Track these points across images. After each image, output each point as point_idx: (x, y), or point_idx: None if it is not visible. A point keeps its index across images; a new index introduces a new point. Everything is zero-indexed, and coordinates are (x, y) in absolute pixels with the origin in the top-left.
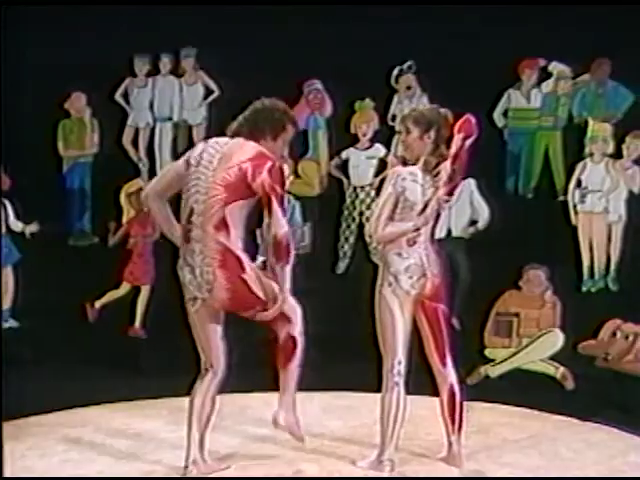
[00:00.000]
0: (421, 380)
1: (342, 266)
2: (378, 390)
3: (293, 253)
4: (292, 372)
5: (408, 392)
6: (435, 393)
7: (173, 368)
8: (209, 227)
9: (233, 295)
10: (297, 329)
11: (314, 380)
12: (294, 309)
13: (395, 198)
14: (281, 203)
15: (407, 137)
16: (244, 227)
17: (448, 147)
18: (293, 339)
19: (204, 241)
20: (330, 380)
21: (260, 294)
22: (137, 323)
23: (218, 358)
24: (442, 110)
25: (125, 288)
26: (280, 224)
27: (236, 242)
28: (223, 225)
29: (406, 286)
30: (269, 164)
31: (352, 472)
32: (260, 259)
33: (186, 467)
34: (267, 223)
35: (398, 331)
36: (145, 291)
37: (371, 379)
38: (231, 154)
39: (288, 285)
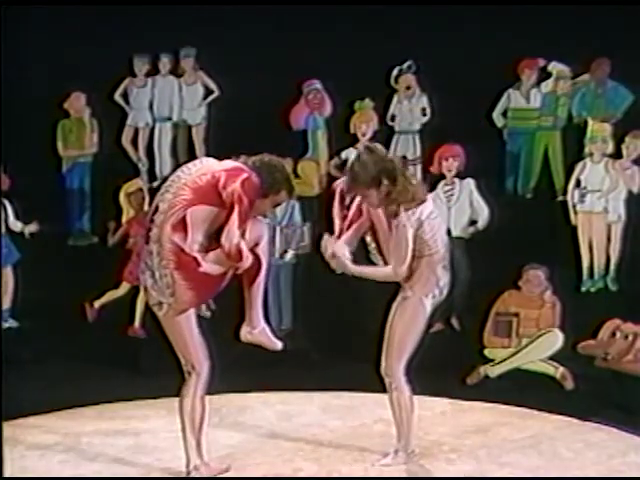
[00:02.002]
0: (419, 380)
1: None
2: (378, 390)
3: (247, 256)
4: (257, 289)
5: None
6: (435, 393)
7: (172, 368)
8: (167, 226)
9: (199, 291)
10: (260, 248)
11: (313, 380)
12: (258, 231)
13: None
14: (243, 217)
15: (373, 199)
16: (204, 233)
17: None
18: (257, 257)
19: (160, 241)
20: (330, 380)
21: (222, 271)
22: (136, 323)
23: (199, 358)
24: (359, 153)
25: (124, 288)
26: (230, 235)
27: (191, 245)
28: (181, 226)
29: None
30: (244, 175)
31: (352, 472)
32: None
33: (188, 473)
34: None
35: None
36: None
37: (371, 379)
38: (210, 165)
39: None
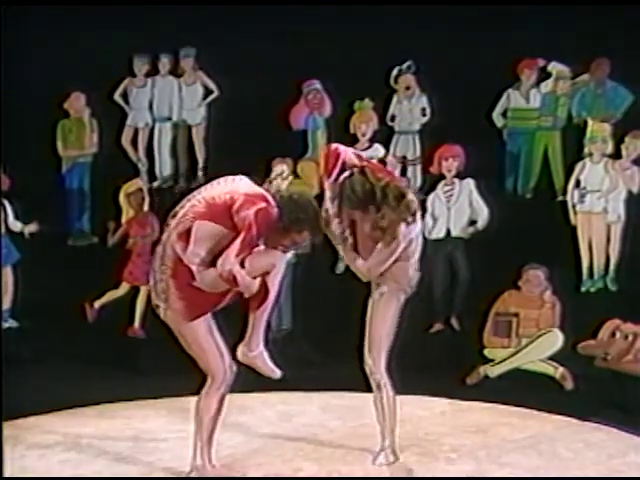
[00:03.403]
0: (419, 380)
1: (342, 266)
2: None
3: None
4: (261, 315)
5: (407, 392)
6: (434, 393)
7: (172, 368)
8: (174, 232)
9: (189, 303)
10: (270, 277)
11: (313, 380)
12: (271, 259)
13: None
14: (245, 244)
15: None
16: (207, 249)
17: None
18: (265, 286)
19: (165, 245)
20: (329, 380)
21: (217, 290)
22: (136, 323)
23: (211, 366)
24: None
25: (124, 288)
26: (226, 261)
27: (190, 256)
28: (185, 236)
29: None
30: (261, 205)
31: (352, 472)
32: None
33: (189, 473)
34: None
35: None
36: (144, 291)
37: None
38: (238, 186)
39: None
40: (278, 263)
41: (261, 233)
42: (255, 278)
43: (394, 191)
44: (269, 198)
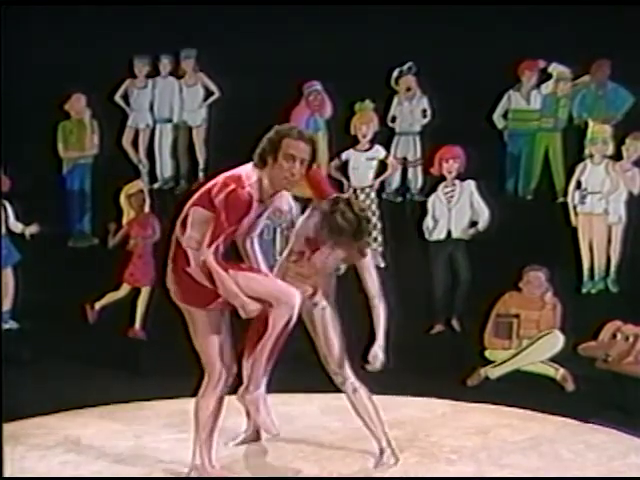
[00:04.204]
0: (419, 382)
1: (342, 267)
2: (379, 392)
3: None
4: (260, 352)
5: (407, 394)
6: (435, 394)
7: (173, 370)
8: (178, 220)
9: (180, 287)
10: (274, 311)
11: (313, 381)
12: (284, 292)
13: None
14: (217, 232)
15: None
16: (202, 234)
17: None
18: (265, 320)
19: (172, 234)
20: (330, 381)
21: (208, 285)
22: (137, 325)
23: (211, 362)
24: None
25: (125, 289)
26: (201, 252)
27: (187, 240)
28: (183, 222)
29: None
30: (231, 188)
31: (352, 474)
32: None
33: (189, 472)
34: None
35: None
36: (145, 292)
37: (372, 380)
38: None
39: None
40: (292, 300)
41: (233, 216)
42: (253, 300)
43: (367, 225)
44: (243, 178)
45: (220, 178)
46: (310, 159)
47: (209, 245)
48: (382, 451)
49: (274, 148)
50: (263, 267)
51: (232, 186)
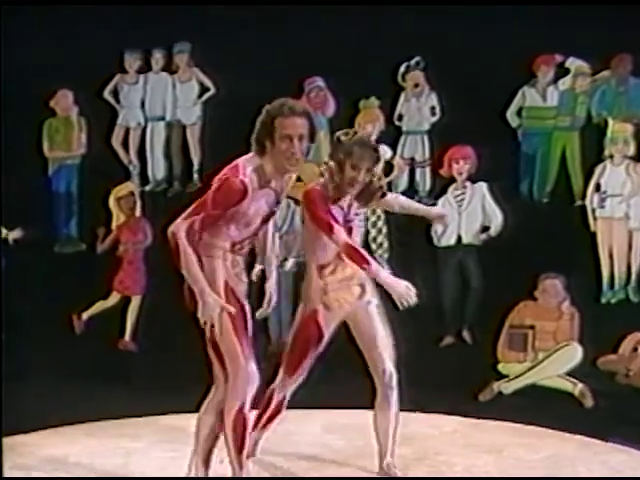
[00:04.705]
0: (428, 396)
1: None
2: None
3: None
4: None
5: (415, 409)
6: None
7: (166, 384)
8: None
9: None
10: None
11: (315, 396)
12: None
13: None
14: (197, 209)
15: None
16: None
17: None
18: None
19: None
20: (333, 396)
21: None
22: (127, 336)
23: (213, 371)
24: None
25: (115, 298)
26: (173, 223)
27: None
28: None
29: None
30: (223, 176)
31: None
32: (258, 267)
33: None
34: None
35: None
36: (136, 301)
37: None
38: None
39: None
40: (245, 384)
41: (219, 200)
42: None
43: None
44: (239, 168)
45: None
46: (310, 131)
47: (185, 219)
48: (390, 467)
49: (269, 131)
50: (273, 265)
51: (227, 174)
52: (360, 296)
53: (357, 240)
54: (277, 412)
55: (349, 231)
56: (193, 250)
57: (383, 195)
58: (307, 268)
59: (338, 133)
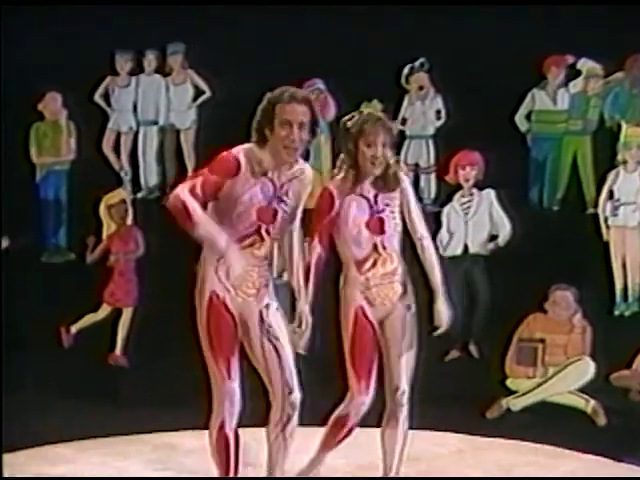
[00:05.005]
0: (433, 413)
1: None
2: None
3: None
4: None
5: (420, 427)
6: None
7: (157, 400)
8: None
9: None
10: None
11: (314, 413)
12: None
13: None
14: (197, 175)
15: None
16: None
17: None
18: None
19: None
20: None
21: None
22: (118, 350)
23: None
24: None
25: (105, 311)
26: (175, 189)
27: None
28: None
29: None
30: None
31: None
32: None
33: None
34: None
35: None
36: (127, 314)
37: (378, 410)
38: None
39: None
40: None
41: (216, 168)
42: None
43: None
44: (234, 149)
45: None
46: (311, 120)
47: (184, 183)
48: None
49: (269, 118)
50: (299, 274)
51: (224, 152)
52: (402, 297)
53: (392, 233)
54: (349, 433)
55: (380, 223)
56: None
57: (397, 181)
58: (343, 267)
59: (343, 119)
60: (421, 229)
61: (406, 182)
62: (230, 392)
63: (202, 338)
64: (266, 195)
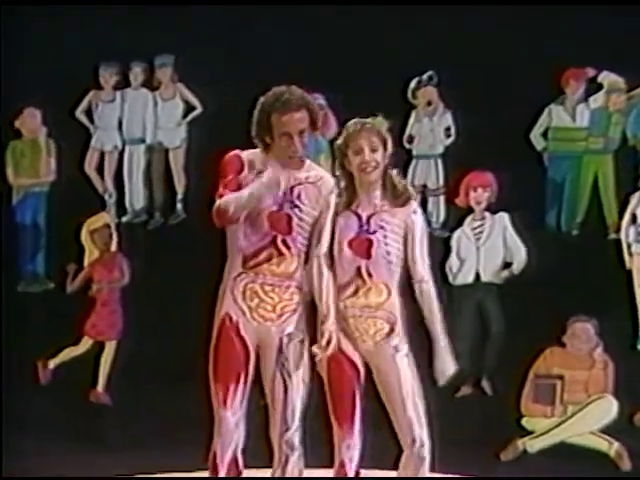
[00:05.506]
0: (443, 455)
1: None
2: (393, 467)
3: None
4: None
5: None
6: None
7: (141, 440)
8: None
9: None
10: None
11: (315, 453)
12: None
13: None
14: (224, 186)
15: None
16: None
17: None
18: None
19: None
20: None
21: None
22: (100, 387)
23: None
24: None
25: (86, 344)
26: (219, 198)
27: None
28: None
29: None
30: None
31: None
32: None
33: None
34: None
35: None
36: (110, 348)
37: (384, 452)
38: None
39: None
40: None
41: (228, 169)
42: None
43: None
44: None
45: None
46: (311, 121)
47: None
48: None
49: (267, 128)
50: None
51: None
52: (387, 336)
53: (379, 260)
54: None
55: (367, 244)
56: None
57: (407, 199)
58: None
59: (337, 142)
60: (423, 271)
61: (417, 213)
62: (223, 421)
63: (210, 360)
64: (275, 198)
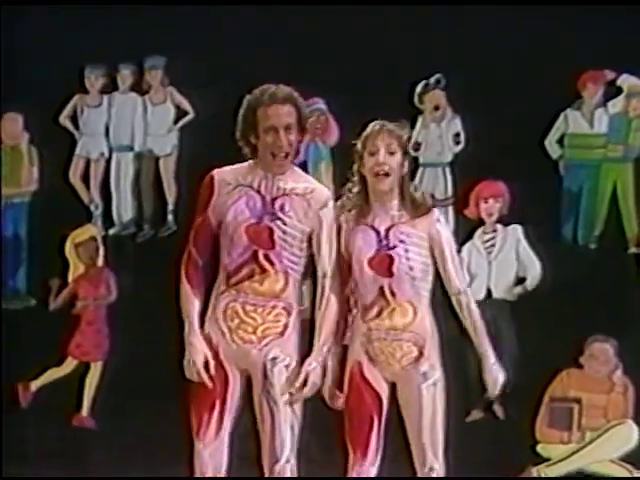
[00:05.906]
0: None
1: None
2: None
3: None
4: None
5: None
6: None
7: (128, 467)
8: None
9: None
10: None
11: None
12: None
13: None
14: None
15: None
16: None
17: None
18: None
19: None
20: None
21: None
22: (84, 410)
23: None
24: None
25: (70, 365)
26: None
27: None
28: None
29: None
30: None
31: None
32: None
33: None
34: None
35: None
36: (95, 369)
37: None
38: None
39: None
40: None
41: (199, 204)
42: None
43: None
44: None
45: None
46: (298, 120)
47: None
48: None
49: (252, 124)
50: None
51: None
52: (415, 362)
53: (403, 276)
54: None
55: (388, 261)
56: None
57: (428, 208)
58: (353, 309)
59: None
60: (457, 283)
61: (441, 222)
62: (196, 452)
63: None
64: (253, 210)
